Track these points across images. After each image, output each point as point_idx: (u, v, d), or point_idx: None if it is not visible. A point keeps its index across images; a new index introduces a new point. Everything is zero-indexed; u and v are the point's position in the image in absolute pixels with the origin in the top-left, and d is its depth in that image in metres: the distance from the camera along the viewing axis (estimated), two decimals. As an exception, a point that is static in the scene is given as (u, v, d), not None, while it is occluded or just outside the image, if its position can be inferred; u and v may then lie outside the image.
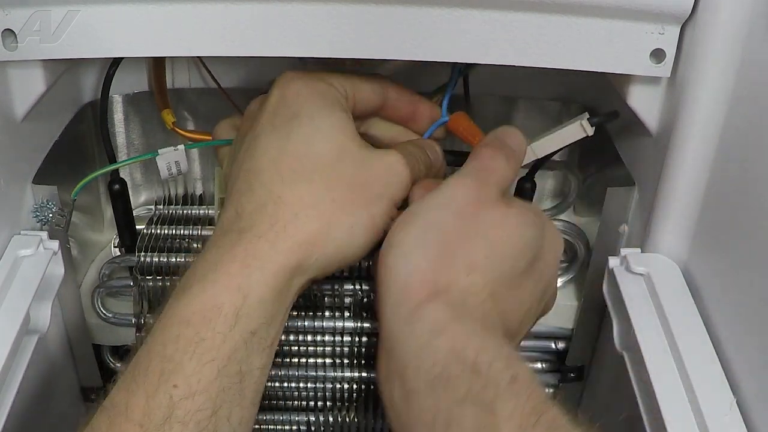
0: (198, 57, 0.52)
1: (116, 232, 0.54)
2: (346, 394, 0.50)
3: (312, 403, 0.51)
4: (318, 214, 0.34)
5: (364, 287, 0.46)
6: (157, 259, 0.52)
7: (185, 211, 0.57)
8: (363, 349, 0.48)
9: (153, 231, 0.54)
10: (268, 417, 0.51)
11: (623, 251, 0.46)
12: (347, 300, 0.47)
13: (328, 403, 0.50)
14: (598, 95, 0.53)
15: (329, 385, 0.49)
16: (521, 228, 0.34)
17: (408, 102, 0.43)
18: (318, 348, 0.49)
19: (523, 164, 0.46)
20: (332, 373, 0.49)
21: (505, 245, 0.34)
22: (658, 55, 0.40)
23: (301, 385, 0.49)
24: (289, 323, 0.47)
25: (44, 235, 0.45)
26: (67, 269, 0.47)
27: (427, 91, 0.47)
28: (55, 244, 0.45)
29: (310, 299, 0.48)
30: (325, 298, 0.48)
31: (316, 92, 0.37)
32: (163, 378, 0.30)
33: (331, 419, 0.50)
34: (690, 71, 0.40)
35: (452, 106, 0.46)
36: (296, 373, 0.49)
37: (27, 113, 0.44)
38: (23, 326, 0.41)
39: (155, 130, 0.56)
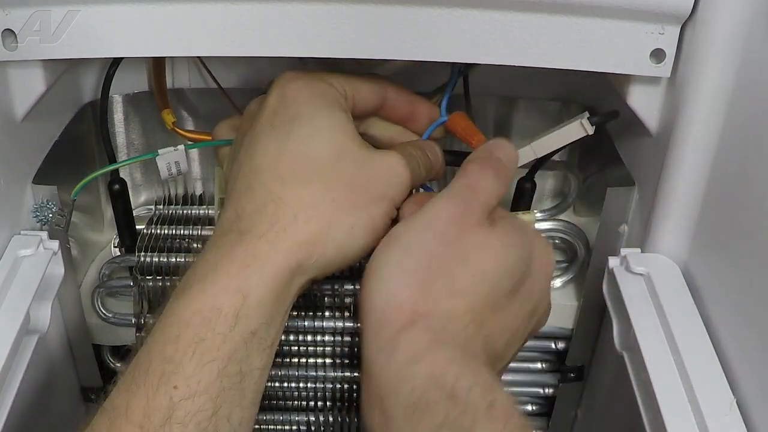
0: (198, 57, 0.52)
1: (116, 232, 0.54)
2: (346, 394, 0.50)
3: (312, 403, 0.51)
4: (318, 215, 0.34)
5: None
6: (157, 259, 0.52)
7: (185, 211, 0.57)
8: (363, 349, 0.48)
9: (153, 231, 0.54)
10: (268, 417, 0.51)
11: (623, 251, 0.46)
12: (347, 300, 0.47)
13: (328, 403, 0.50)
14: (598, 95, 0.53)
15: (329, 385, 0.49)
16: (505, 250, 0.34)
17: (407, 102, 0.43)
18: (318, 348, 0.49)
19: (523, 163, 0.46)
20: (332, 373, 0.49)
21: (488, 268, 0.33)
22: (658, 55, 0.40)
23: (301, 385, 0.49)
24: (289, 323, 0.47)
25: (44, 235, 0.45)
26: (67, 269, 0.47)
27: (427, 91, 0.47)
28: (55, 244, 0.45)
29: (310, 299, 0.48)
30: (325, 298, 0.48)
31: (315, 92, 0.37)
32: (163, 379, 0.30)
33: (331, 419, 0.51)
34: (690, 71, 0.40)
35: (452, 106, 0.46)
36: (296, 373, 0.49)
37: (27, 113, 0.44)
38: (23, 326, 0.41)
39: (155, 130, 0.56)
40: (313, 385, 0.49)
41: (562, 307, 0.54)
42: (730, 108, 0.40)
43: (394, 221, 0.38)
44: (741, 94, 0.39)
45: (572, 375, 0.56)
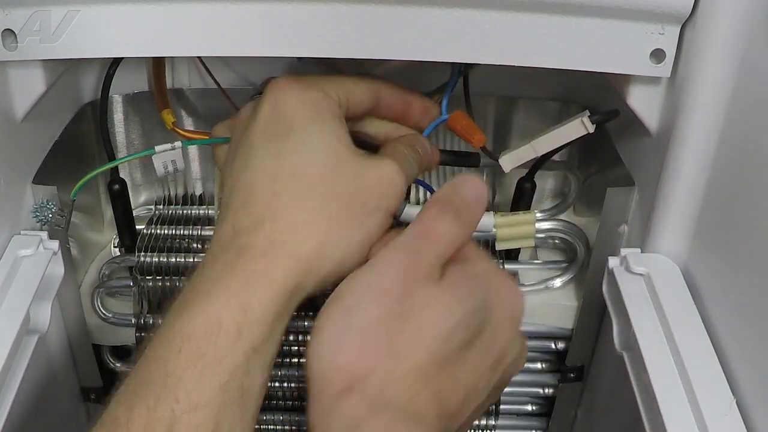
0: (198, 57, 0.52)
1: (116, 232, 0.54)
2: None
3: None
4: (314, 233, 0.34)
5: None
6: (157, 259, 0.52)
7: (185, 211, 0.57)
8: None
9: (153, 231, 0.54)
10: (268, 417, 0.51)
11: (623, 251, 0.46)
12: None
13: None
14: (598, 95, 0.53)
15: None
16: (453, 305, 0.32)
17: (401, 100, 0.43)
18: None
19: (523, 162, 0.46)
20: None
21: (433, 326, 0.32)
22: (658, 55, 0.40)
23: (301, 385, 0.49)
24: (289, 323, 0.47)
25: (44, 235, 0.45)
26: (67, 269, 0.47)
27: (427, 91, 0.47)
28: (55, 244, 0.45)
29: (311, 299, 0.48)
30: (325, 299, 0.48)
31: (308, 102, 0.37)
32: (164, 391, 0.30)
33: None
34: (690, 71, 0.40)
35: (452, 106, 0.46)
36: (296, 373, 0.49)
37: (27, 113, 0.44)
38: (23, 326, 0.41)
39: (155, 130, 0.56)
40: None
41: (562, 307, 0.54)
42: (730, 108, 0.40)
43: (392, 226, 0.38)
44: (741, 94, 0.39)
45: (572, 375, 0.56)
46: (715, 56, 0.39)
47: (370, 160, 0.37)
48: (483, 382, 0.34)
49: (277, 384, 0.49)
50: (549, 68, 0.41)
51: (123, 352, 0.58)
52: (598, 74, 0.41)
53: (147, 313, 0.53)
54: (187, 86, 0.55)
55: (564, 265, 0.55)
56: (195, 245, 0.54)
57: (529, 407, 0.60)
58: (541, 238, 0.55)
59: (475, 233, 0.47)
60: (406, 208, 0.45)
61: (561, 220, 0.54)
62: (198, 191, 0.59)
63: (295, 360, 0.49)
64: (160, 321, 0.52)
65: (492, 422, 0.60)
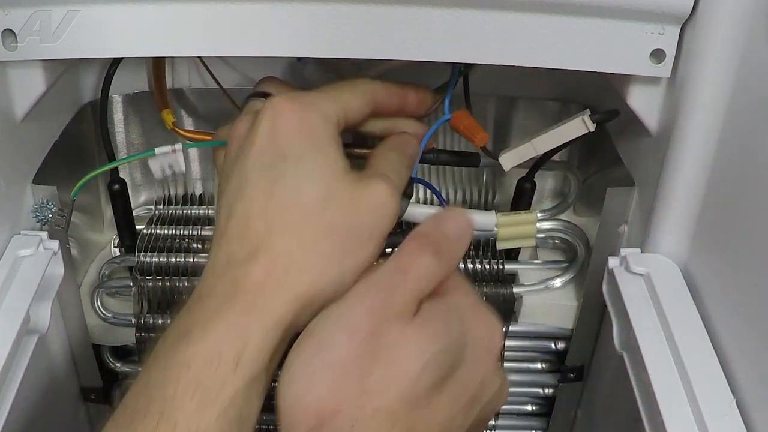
0: (198, 57, 0.52)
1: (116, 232, 0.54)
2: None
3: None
4: (309, 269, 0.34)
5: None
6: (157, 259, 0.52)
7: (185, 211, 0.57)
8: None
9: (153, 231, 0.54)
10: (268, 417, 0.51)
11: (623, 251, 0.46)
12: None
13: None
14: (598, 95, 0.53)
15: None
16: (424, 344, 0.32)
17: (396, 97, 0.43)
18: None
19: (523, 161, 0.46)
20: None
21: (403, 365, 0.31)
22: (658, 55, 0.40)
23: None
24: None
25: (44, 235, 0.45)
26: (67, 269, 0.47)
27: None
28: (55, 244, 0.45)
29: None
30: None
31: (306, 128, 0.36)
32: (163, 417, 0.30)
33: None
34: (690, 71, 0.40)
35: (452, 106, 0.46)
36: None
37: (27, 113, 0.44)
38: (23, 326, 0.41)
39: (155, 130, 0.56)
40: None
41: (562, 307, 0.54)
42: (730, 108, 0.40)
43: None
44: (741, 94, 0.39)
45: (572, 375, 0.56)
46: (715, 56, 0.39)
47: (363, 186, 0.36)
48: (459, 421, 0.33)
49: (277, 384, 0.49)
50: (549, 68, 0.41)
51: (123, 352, 0.58)
52: (598, 74, 0.41)
53: (147, 313, 0.53)
54: (187, 86, 0.55)
55: (564, 265, 0.55)
56: (195, 245, 0.54)
57: (529, 407, 0.60)
58: (541, 238, 0.55)
59: (476, 233, 0.48)
60: (408, 207, 0.45)
61: (561, 220, 0.54)
62: (198, 191, 0.59)
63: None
64: (160, 321, 0.53)
65: (492, 422, 0.60)
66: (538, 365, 0.58)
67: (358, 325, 0.32)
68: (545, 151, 0.45)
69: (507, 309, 0.54)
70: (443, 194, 0.58)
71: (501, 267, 0.54)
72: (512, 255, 0.56)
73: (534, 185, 0.52)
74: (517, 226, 0.46)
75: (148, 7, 0.39)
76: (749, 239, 0.38)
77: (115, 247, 0.55)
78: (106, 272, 0.53)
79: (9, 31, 0.40)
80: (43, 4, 0.39)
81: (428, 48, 0.40)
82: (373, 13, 0.39)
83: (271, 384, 0.34)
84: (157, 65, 0.52)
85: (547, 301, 0.54)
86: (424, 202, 0.57)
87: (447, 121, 0.46)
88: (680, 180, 0.43)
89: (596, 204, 0.51)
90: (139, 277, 0.52)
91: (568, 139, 0.44)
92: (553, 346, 0.56)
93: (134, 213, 0.55)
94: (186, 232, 0.54)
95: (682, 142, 0.42)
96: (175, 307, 0.52)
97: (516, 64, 0.41)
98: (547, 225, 0.54)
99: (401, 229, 0.56)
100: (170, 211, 0.57)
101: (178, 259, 0.52)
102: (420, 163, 0.46)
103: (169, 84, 0.53)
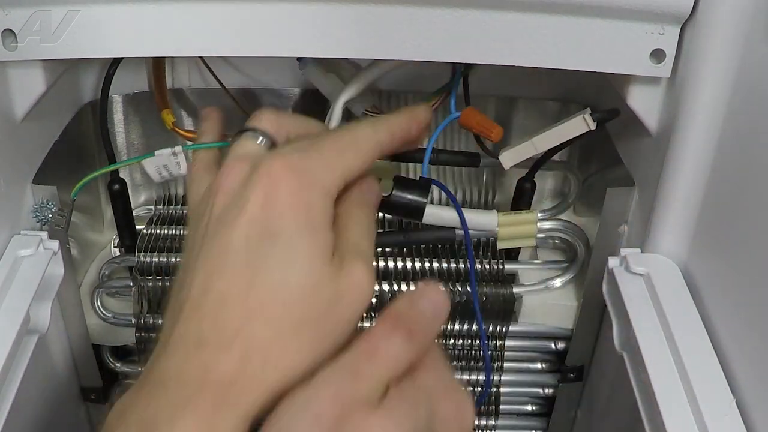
0: (198, 57, 0.52)
1: (116, 232, 0.54)
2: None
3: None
4: (284, 363, 0.33)
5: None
6: (156, 259, 0.52)
7: (185, 211, 0.57)
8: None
9: (153, 231, 0.54)
10: (268, 417, 0.51)
11: (623, 251, 0.46)
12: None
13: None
14: (598, 95, 0.53)
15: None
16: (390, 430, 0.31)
17: (399, 140, 0.40)
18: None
19: (523, 159, 0.46)
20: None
21: None
22: (658, 55, 0.40)
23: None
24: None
25: (44, 235, 0.45)
26: (67, 269, 0.47)
27: (427, 91, 0.47)
28: (55, 244, 0.45)
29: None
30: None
31: (302, 205, 0.34)
32: None
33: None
34: (690, 71, 0.40)
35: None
36: None
37: (27, 113, 0.44)
38: (23, 326, 0.41)
39: (155, 130, 0.56)
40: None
41: (562, 307, 0.54)
42: (730, 108, 0.40)
43: None
44: (741, 94, 0.39)
45: (572, 375, 0.57)
46: (715, 56, 0.39)
47: (345, 273, 0.35)
48: None
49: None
50: (549, 68, 0.41)
51: (123, 352, 0.58)
52: (598, 74, 0.41)
53: (147, 313, 0.53)
54: (187, 86, 0.55)
55: (564, 265, 0.55)
56: (195, 245, 0.54)
57: (529, 407, 0.60)
58: (542, 238, 0.55)
59: (476, 232, 0.48)
60: (427, 208, 0.44)
61: (561, 220, 0.54)
62: (198, 191, 0.59)
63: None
64: (160, 321, 0.53)
65: (492, 422, 0.60)
66: (538, 365, 0.58)
67: (323, 412, 0.31)
68: (545, 149, 0.45)
69: (507, 309, 0.54)
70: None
71: (501, 267, 0.54)
72: (512, 255, 0.56)
73: (534, 185, 0.52)
74: (517, 226, 0.46)
75: (148, 7, 0.39)
76: (749, 239, 0.38)
77: (115, 247, 0.55)
78: (106, 272, 0.54)
79: (9, 31, 0.40)
80: (43, 4, 0.39)
81: (428, 48, 0.40)
82: (373, 13, 0.39)
83: None
84: (157, 65, 0.52)
85: (547, 301, 0.54)
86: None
87: (456, 119, 0.45)
88: (680, 180, 0.43)
89: (596, 204, 0.51)
90: (139, 277, 0.52)
91: (569, 138, 0.44)
92: (553, 346, 0.56)
93: (134, 213, 0.55)
94: (186, 232, 0.54)
95: (682, 142, 0.42)
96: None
97: (516, 64, 0.41)
98: (547, 225, 0.54)
99: (401, 229, 0.56)
100: (170, 211, 0.57)
101: (178, 259, 0.52)
102: (419, 163, 0.46)
103: (169, 84, 0.53)
